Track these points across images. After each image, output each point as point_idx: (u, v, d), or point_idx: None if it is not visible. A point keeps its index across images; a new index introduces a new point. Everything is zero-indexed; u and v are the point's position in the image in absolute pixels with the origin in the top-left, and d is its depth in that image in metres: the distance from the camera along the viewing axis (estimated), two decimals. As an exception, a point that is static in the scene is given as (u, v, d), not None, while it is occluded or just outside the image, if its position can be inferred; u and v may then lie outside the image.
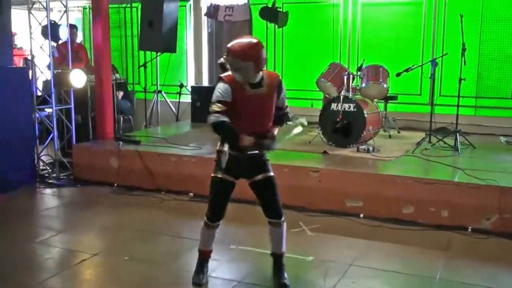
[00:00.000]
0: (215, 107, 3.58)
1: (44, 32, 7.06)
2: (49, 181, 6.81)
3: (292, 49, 9.50)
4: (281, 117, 3.96)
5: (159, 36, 8.56)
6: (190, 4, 10.14)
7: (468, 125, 7.66)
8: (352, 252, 4.53)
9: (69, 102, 7.16)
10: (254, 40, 3.63)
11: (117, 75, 8.52)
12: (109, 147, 6.89)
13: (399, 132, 7.84)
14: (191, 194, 6.10)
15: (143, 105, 9.23)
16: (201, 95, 8.92)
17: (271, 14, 8.69)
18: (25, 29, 7.22)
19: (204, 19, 10.07)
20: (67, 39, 7.15)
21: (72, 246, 4.77)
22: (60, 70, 7.03)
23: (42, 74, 7.50)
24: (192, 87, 9.38)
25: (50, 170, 7.09)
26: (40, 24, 7.04)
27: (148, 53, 9.50)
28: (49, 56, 7.03)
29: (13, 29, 6.76)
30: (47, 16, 6.93)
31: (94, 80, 7.38)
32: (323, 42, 9.16)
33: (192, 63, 10.25)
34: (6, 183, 6.27)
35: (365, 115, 6.54)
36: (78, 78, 6.89)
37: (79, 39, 9.57)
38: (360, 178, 5.51)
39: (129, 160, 6.54)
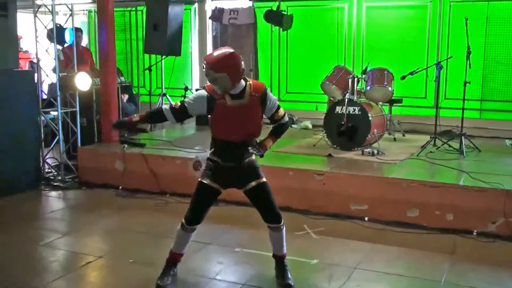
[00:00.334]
0: (174, 104, 3.80)
1: (50, 36, 7.09)
2: (54, 183, 6.83)
3: (297, 52, 9.52)
4: (279, 128, 3.98)
5: (164, 40, 8.58)
6: (195, 8, 10.17)
7: (473, 128, 7.66)
8: (356, 255, 4.53)
9: (74, 105, 7.18)
10: (229, 51, 3.63)
11: (122, 78, 8.54)
12: (114, 150, 6.90)
13: (404, 135, 7.83)
14: (196, 197, 6.10)
15: (148, 108, 9.24)
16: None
17: (276, 17, 8.71)
18: (31, 33, 7.25)
19: (209, 22, 10.10)
20: (73, 42, 7.18)
21: (77, 248, 4.78)
22: (65, 73, 7.06)
23: (48, 77, 7.53)
24: (197, 90, 9.38)
25: (55, 173, 7.11)
26: (45, 27, 7.07)
27: (153, 56, 9.53)
28: (55, 59, 7.06)
29: (19, 33, 6.78)
30: (52, 20, 6.96)
31: (99, 83, 7.40)
32: (327, 45, 9.17)
33: (197, 66, 10.27)
34: (11, 185, 6.29)
35: (370, 118, 6.54)
36: (83, 81, 6.92)
37: (84, 42, 9.60)
38: (365, 181, 5.50)
39: (134, 163, 6.55)
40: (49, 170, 7.17)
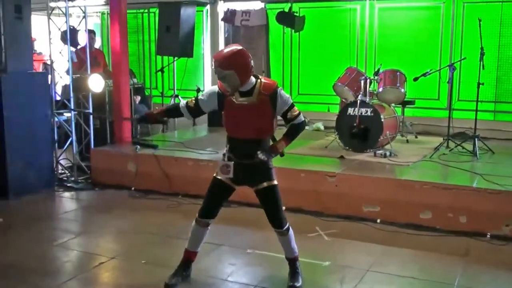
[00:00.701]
0: (189, 100, 3.87)
1: (63, 38, 7.15)
2: (68, 184, 6.88)
3: (309, 53, 9.51)
4: (292, 128, 3.88)
5: (176, 41, 8.62)
6: (207, 9, 10.20)
7: (486, 130, 7.59)
8: (369, 258, 4.51)
9: (87, 107, 7.23)
10: (237, 48, 3.63)
11: (135, 80, 8.59)
12: (127, 151, 6.94)
13: (416, 137, 7.79)
14: (208, 198, 6.11)
15: (160, 109, 9.27)
16: (218, 99, 8.94)
17: (288, 19, 8.71)
18: (45, 35, 7.32)
19: (221, 24, 10.12)
20: (86, 44, 7.23)
21: (90, 249, 4.81)
22: (78, 75, 7.11)
23: (61, 79, 7.59)
24: (209, 91, 9.41)
25: (68, 174, 7.16)
26: (59, 29, 7.14)
27: (165, 58, 9.57)
28: (68, 61, 7.12)
29: (33, 35, 6.84)
30: (66, 22, 7.02)
31: (112, 85, 7.45)
32: (339, 47, 9.16)
33: (209, 67, 10.30)
34: (25, 186, 6.35)
35: (382, 120, 6.51)
36: (96, 83, 6.96)
37: (97, 44, 9.66)
38: (377, 183, 5.48)
39: (147, 164, 6.58)
40: (63, 171, 7.22)
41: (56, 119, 7.17)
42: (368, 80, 6.89)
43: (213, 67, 3.69)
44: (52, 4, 7.18)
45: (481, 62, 6.55)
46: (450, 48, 8.48)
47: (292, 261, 4.02)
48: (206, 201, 3.95)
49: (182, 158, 6.51)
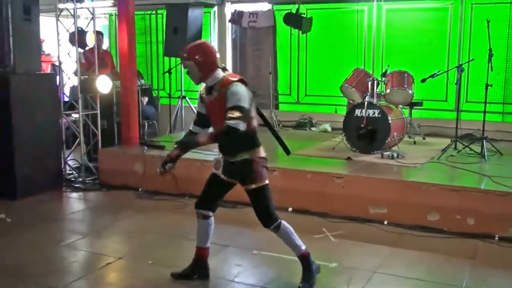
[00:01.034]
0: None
1: (72, 39, 7.19)
2: (75, 185, 6.91)
3: (316, 55, 9.50)
4: (218, 130, 3.70)
5: (184, 43, 8.59)
6: (215, 11, 10.21)
7: (495, 132, 7.55)
8: (376, 259, 4.50)
9: (95, 108, 7.26)
10: (201, 41, 3.85)
11: (142, 81, 8.61)
12: (134, 152, 6.96)
13: (424, 139, 7.76)
14: (215, 199, 6.12)
15: (167, 110, 9.31)
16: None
17: (295, 20, 8.71)
18: (53, 36, 7.37)
19: (229, 25, 10.12)
20: (94, 45, 7.26)
21: (97, 249, 4.83)
22: (86, 76, 7.14)
23: (69, 80, 7.63)
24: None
25: (76, 175, 7.19)
26: (67, 31, 7.17)
27: (172, 59, 9.59)
28: (76, 62, 7.15)
29: (42, 36, 6.88)
30: (74, 23, 7.05)
31: (120, 86, 7.47)
32: (347, 48, 9.14)
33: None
34: (33, 186, 6.38)
35: (390, 121, 6.49)
36: (104, 84, 6.99)
37: (105, 45, 9.70)
38: (385, 185, 5.46)
39: (154, 165, 6.57)
40: (70, 172, 7.26)
41: (64, 120, 7.20)
42: (375, 82, 6.87)
43: None
44: (61, 6, 7.22)
45: (490, 64, 6.51)
46: (458, 49, 8.44)
47: (301, 259, 3.98)
48: (202, 192, 4.05)
49: (189, 159, 6.50)
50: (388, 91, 7.00)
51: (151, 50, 10.67)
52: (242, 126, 3.64)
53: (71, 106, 7.39)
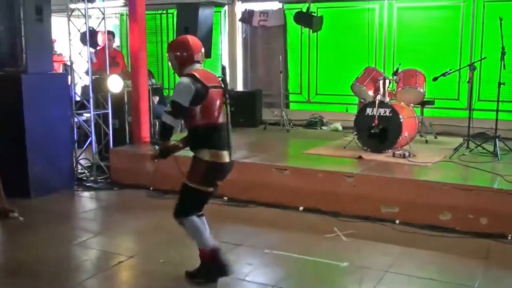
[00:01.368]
0: None
1: (83, 39, 7.22)
2: (87, 184, 6.95)
3: (327, 53, 9.48)
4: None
5: (195, 42, 8.62)
6: (225, 10, 10.22)
7: (507, 130, 7.47)
8: (387, 259, 4.48)
9: (106, 107, 7.29)
10: (182, 36, 4.03)
11: (153, 80, 8.63)
12: (145, 151, 6.98)
13: (436, 138, 7.72)
14: (225, 198, 6.13)
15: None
16: (236, 99, 8.95)
17: (306, 19, 8.70)
18: (65, 36, 7.41)
19: (239, 24, 10.13)
20: (105, 45, 7.29)
21: (109, 248, 4.85)
22: (98, 76, 7.17)
23: (81, 79, 7.67)
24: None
25: (88, 174, 7.23)
26: (79, 30, 7.21)
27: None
28: (88, 62, 7.18)
29: (53, 36, 6.92)
30: (85, 23, 7.09)
31: (131, 85, 7.50)
32: (358, 47, 9.11)
33: (227, 68, 10.29)
34: (46, 185, 6.42)
35: (401, 120, 6.46)
36: (115, 83, 7.02)
37: (116, 45, 9.74)
38: (396, 184, 5.44)
39: (165, 164, 6.56)
40: (82, 171, 7.29)
41: (75, 119, 7.24)
42: (386, 80, 6.84)
43: None
44: (72, 6, 7.26)
45: (502, 62, 6.45)
46: (470, 47, 8.38)
47: (200, 256, 3.99)
48: None
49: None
50: (399, 89, 6.96)
51: (161, 50, 10.70)
52: (170, 121, 3.78)
53: (82, 106, 7.43)
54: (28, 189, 6.26)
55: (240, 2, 10.06)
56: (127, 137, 7.62)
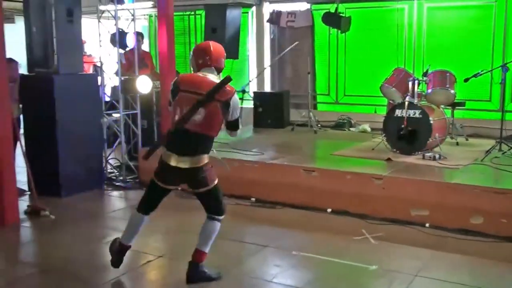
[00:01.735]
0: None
1: (112, 40, 7.31)
2: (116, 183, 7.02)
3: (355, 54, 9.41)
4: None
5: (222, 43, 8.61)
6: (253, 11, 10.22)
7: (541, 133, 7.31)
8: (417, 262, 4.41)
9: (135, 108, 7.37)
10: (204, 42, 4.24)
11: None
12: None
13: (467, 140, 7.58)
14: (253, 199, 6.13)
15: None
16: (263, 100, 8.96)
17: (334, 20, 8.65)
18: (95, 37, 7.50)
19: (267, 25, 10.12)
20: (134, 46, 7.36)
21: (138, 247, 4.86)
22: (127, 77, 7.24)
23: (110, 80, 7.76)
24: (254, 92, 9.44)
25: (117, 173, 7.31)
26: (108, 32, 7.30)
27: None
28: (117, 63, 7.26)
29: (83, 37, 7.02)
30: (115, 25, 7.17)
31: (159, 86, 7.55)
32: (387, 47, 9.02)
33: (254, 69, 10.31)
34: (76, 185, 6.51)
35: (431, 122, 6.36)
36: (144, 84, 7.07)
37: (145, 46, 9.83)
38: (426, 187, 5.35)
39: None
40: (112, 171, 7.38)
41: (105, 119, 7.33)
42: (416, 81, 6.75)
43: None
44: (102, 8, 7.36)
45: (536, 62, 6.31)
46: (503, 48, 8.21)
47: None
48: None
49: (228, 159, 6.54)
50: (429, 91, 6.86)
51: (190, 51, 10.75)
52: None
53: (112, 106, 7.52)
54: (59, 188, 6.37)
55: (267, 2, 10.06)
56: (156, 137, 7.67)
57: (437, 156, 6.21)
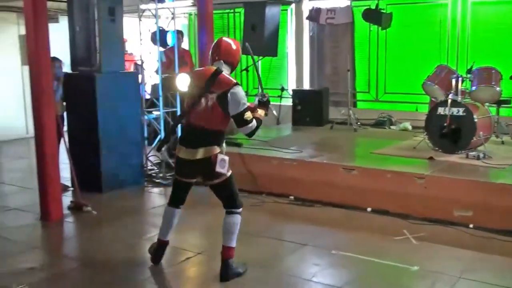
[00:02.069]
0: (248, 114, 3.96)
1: (153, 38, 7.38)
2: (156, 180, 7.10)
3: (396, 51, 9.25)
4: None
5: (261, 40, 8.66)
6: (292, 8, 10.17)
7: None
8: (460, 264, 4.30)
9: (175, 105, 7.42)
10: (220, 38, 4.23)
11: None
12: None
13: (512, 138, 7.35)
14: (292, 197, 6.10)
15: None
16: (302, 98, 8.91)
17: (375, 16, 8.52)
18: (136, 36, 7.60)
19: (306, 22, 10.05)
20: (174, 44, 7.43)
21: (177, 243, 4.91)
22: (167, 75, 7.31)
23: (150, 78, 7.85)
24: (293, 90, 9.39)
25: (157, 170, 7.39)
26: (149, 30, 7.38)
27: (250, 57, 9.62)
28: (157, 61, 7.34)
29: (125, 36, 7.12)
30: (156, 23, 7.25)
31: (199, 84, 7.58)
32: (429, 44, 8.83)
33: (293, 66, 10.26)
34: (117, 181, 6.62)
35: (475, 120, 6.19)
36: (183, 82, 7.10)
37: (184, 44, 9.91)
38: (470, 186, 5.21)
39: (231, 162, 6.61)
40: (152, 167, 7.47)
41: (145, 117, 7.42)
42: (460, 78, 6.58)
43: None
44: (143, 6, 7.45)
45: None
46: (552, 43, 7.93)
47: None
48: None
49: (267, 156, 6.53)
50: (473, 88, 6.68)
51: (229, 49, 10.78)
52: None
53: (152, 104, 7.60)
54: (100, 184, 6.48)
55: (307, 0, 9.98)
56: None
57: (481, 155, 6.04)
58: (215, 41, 4.19)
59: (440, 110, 6.42)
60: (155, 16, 7.26)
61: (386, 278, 4.14)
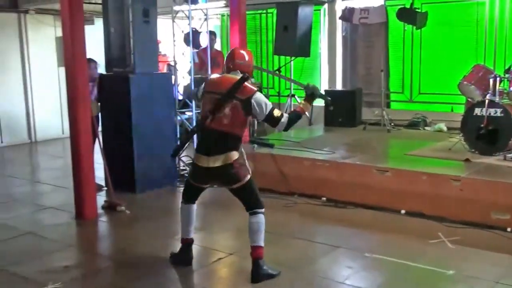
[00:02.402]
0: (277, 112, 4.03)
1: (186, 39, 7.43)
2: (188, 181, 7.12)
3: (431, 51, 9.08)
4: None
5: (294, 41, 8.63)
6: (325, 8, 10.10)
7: None
8: (498, 269, 4.19)
9: (207, 106, 7.44)
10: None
11: (252, 80, 8.68)
12: (244, 150, 7.03)
13: (552, 140, 7.13)
14: (324, 198, 6.05)
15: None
16: (335, 99, 8.80)
17: (410, 15, 8.38)
18: (169, 37, 7.66)
19: (339, 22, 9.97)
20: (207, 45, 7.46)
21: (209, 244, 4.94)
22: (199, 75, 7.34)
23: (183, 79, 7.90)
24: (325, 91, 9.32)
25: (189, 171, 7.41)
26: (182, 31, 7.43)
27: (282, 57, 9.63)
28: (190, 62, 7.38)
29: (158, 37, 7.19)
30: (189, 24, 7.29)
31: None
32: (465, 43, 8.65)
33: (326, 67, 10.19)
34: (150, 181, 6.68)
35: (514, 121, 6.03)
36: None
37: (217, 45, 9.95)
38: (508, 189, 5.08)
39: (263, 163, 6.64)
40: (184, 168, 7.51)
41: (178, 117, 7.46)
42: (498, 78, 6.42)
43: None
44: (176, 8, 7.51)
45: None
46: None
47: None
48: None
49: (299, 157, 6.50)
50: (512, 88, 6.51)
51: (261, 49, 10.80)
52: None
53: (184, 105, 7.65)
54: (133, 184, 6.55)
55: (340, 0, 9.90)
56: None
57: (520, 157, 5.89)
58: (229, 52, 4.35)
59: (477, 111, 6.28)
60: (188, 17, 7.31)
61: (421, 282, 4.06)
